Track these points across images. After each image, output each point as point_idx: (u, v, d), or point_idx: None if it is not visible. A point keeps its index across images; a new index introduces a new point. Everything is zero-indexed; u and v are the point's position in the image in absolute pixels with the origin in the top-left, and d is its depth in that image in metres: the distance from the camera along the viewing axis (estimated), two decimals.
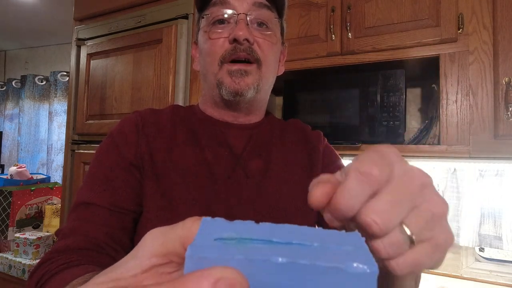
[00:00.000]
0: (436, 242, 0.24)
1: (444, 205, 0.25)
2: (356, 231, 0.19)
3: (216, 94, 0.59)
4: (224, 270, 0.15)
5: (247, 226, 0.19)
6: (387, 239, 0.22)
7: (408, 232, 0.23)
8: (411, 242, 0.23)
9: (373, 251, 0.22)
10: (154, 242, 0.19)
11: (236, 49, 0.55)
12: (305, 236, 0.18)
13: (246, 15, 0.55)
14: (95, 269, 0.40)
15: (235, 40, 0.54)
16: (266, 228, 0.18)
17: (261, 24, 0.57)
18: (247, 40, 0.54)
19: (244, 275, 0.15)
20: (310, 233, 0.18)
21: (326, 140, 0.69)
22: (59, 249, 0.47)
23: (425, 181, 0.25)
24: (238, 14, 0.55)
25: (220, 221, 0.19)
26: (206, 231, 0.18)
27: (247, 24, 0.55)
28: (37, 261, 1.80)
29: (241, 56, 0.55)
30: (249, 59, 0.55)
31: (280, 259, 0.16)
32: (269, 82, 0.61)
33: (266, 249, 0.17)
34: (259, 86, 0.57)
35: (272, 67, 0.60)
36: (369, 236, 0.22)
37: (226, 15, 0.56)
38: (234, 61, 0.55)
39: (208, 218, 0.19)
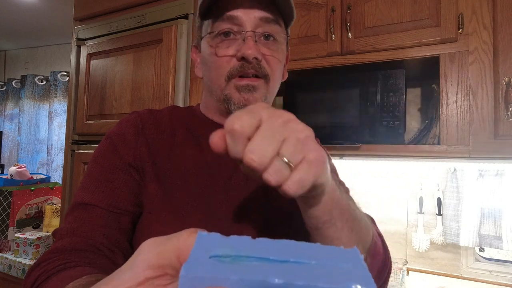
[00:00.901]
0: (309, 160, 0.30)
1: (307, 130, 0.31)
2: (355, 247, 0.19)
3: (223, 108, 0.58)
4: None
5: (243, 242, 0.18)
6: (270, 169, 0.29)
7: (285, 159, 0.29)
8: (291, 166, 0.29)
9: (266, 183, 0.29)
10: (149, 253, 0.19)
11: (244, 67, 0.54)
12: (303, 253, 0.17)
13: (254, 32, 0.54)
14: (91, 271, 0.40)
15: (243, 58, 0.53)
16: (263, 245, 0.18)
17: (268, 36, 0.56)
18: (255, 58, 0.53)
19: None
20: (308, 250, 0.18)
21: (319, 140, 0.69)
22: (56, 250, 0.46)
23: (287, 117, 0.31)
24: (246, 32, 0.54)
25: (215, 236, 0.19)
26: (201, 247, 0.18)
27: (255, 41, 0.54)
28: None
29: (250, 73, 0.54)
30: (257, 75, 0.55)
31: (276, 280, 0.15)
32: (274, 94, 0.61)
33: (263, 267, 0.16)
34: (267, 100, 0.57)
35: (278, 80, 0.60)
36: (253, 171, 0.29)
37: (233, 30, 0.55)
38: (242, 76, 0.55)
39: (204, 233, 0.19)
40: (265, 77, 0.55)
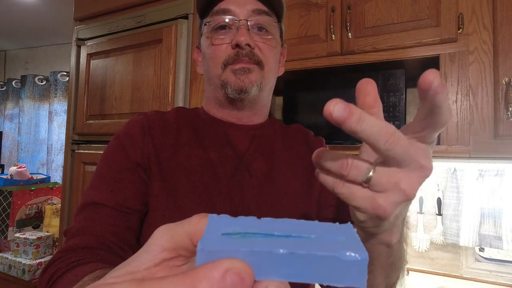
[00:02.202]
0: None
1: None
2: (349, 222, 0.21)
3: (220, 95, 0.61)
4: (233, 261, 0.17)
5: (250, 221, 0.20)
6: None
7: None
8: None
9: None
10: (164, 237, 0.21)
11: (238, 54, 0.57)
12: (303, 228, 0.20)
13: (247, 21, 0.58)
14: (104, 267, 0.41)
15: (237, 46, 0.57)
16: (268, 223, 0.20)
17: (261, 28, 0.59)
18: (248, 45, 0.57)
19: (249, 266, 0.17)
20: (307, 226, 0.20)
21: (324, 140, 0.70)
22: (68, 249, 0.48)
23: None
24: (239, 20, 0.57)
25: (225, 217, 0.21)
26: (213, 227, 0.19)
27: (248, 30, 0.58)
28: (37, 261, 1.79)
29: (244, 60, 0.57)
30: (251, 62, 0.58)
31: (281, 250, 0.17)
32: (270, 83, 0.63)
33: (269, 242, 0.18)
34: (262, 84, 0.59)
35: (273, 69, 0.63)
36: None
37: (227, 21, 0.58)
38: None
39: (214, 215, 0.21)
40: (258, 64, 0.58)
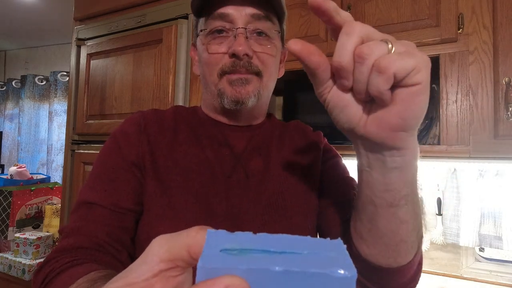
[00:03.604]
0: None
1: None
2: (339, 238, 0.22)
3: (217, 103, 0.59)
4: (231, 278, 0.18)
5: (247, 237, 0.22)
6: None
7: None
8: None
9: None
10: (161, 248, 0.21)
11: (235, 64, 0.54)
12: (297, 244, 0.21)
13: (245, 29, 0.54)
14: (98, 268, 0.41)
15: (234, 55, 0.54)
16: (263, 238, 0.21)
17: (260, 33, 0.56)
18: (246, 54, 0.54)
19: (247, 282, 0.18)
20: (300, 242, 0.21)
21: (326, 139, 0.69)
22: (62, 248, 0.48)
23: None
24: (237, 28, 0.54)
25: (222, 233, 0.22)
26: (212, 243, 0.21)
27: (246, 37, 0.54)
28: (37, 261, 1.78)
29: (241, 71, 0.54)
30: (248, 73, 0.55)
31: (277, 268, 0.19)
32: (269, 89, 0.61)
33: (265, 258, 0.20)
34: (260, 93, 0.57)
35: (272, 76, 0.60)
36: None
37: (224, 24, 0.55)
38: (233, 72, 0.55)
39: (212, 230, 0.22)
40: (257, 74, 0.56)
